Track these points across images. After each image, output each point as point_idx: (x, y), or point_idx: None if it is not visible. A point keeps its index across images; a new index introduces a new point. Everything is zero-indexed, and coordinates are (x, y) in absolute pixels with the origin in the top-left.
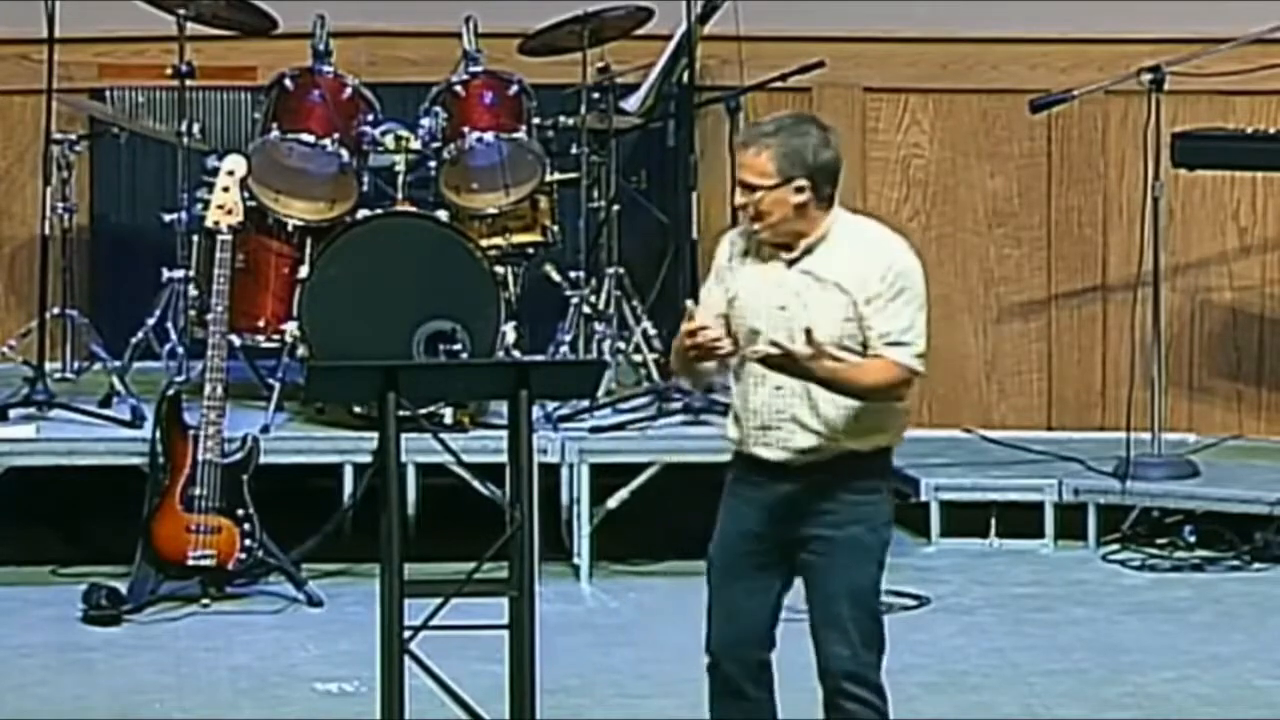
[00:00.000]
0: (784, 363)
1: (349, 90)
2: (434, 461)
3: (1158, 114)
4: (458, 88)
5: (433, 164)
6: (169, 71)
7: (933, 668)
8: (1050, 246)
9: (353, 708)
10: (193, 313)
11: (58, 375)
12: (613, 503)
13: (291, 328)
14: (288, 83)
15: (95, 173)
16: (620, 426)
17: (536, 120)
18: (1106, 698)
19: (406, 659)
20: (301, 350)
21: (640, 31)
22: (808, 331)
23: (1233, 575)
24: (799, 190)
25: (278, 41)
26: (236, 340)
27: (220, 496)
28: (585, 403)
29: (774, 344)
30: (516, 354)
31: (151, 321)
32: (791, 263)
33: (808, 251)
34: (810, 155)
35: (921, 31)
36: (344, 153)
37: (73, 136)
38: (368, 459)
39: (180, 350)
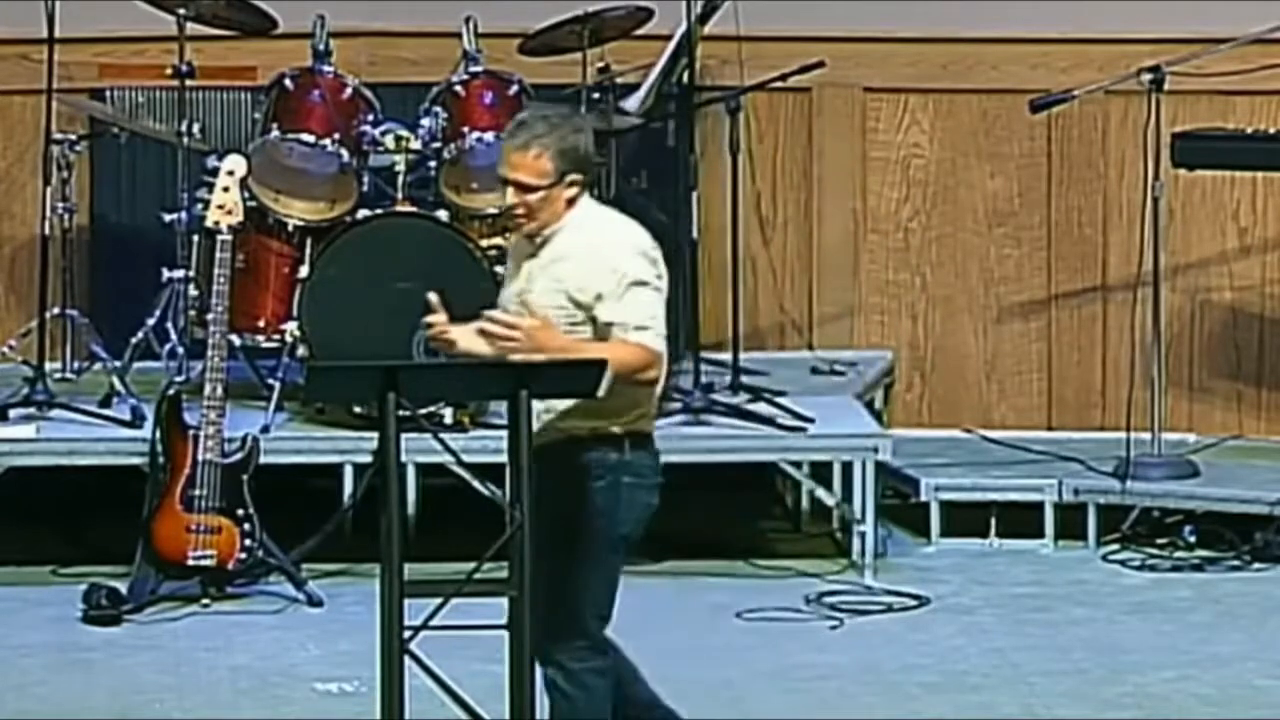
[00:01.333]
0: (508, 338)
1: (349, 90)
2: (434, 461)
3: (1158, 114)
4: (458, 88)
5: (433, 164)
6: (169, 71)
7: (933, 668)
8: (1050, 246)
9: (353, 708)
10: (193, 313)
11: (58, 375)
12: None
13: (291, 328)
14: (288, 83)
15: (95, 173)
16: None
17: None
18: (1106, 698)
19: (406, 659)
20: (301, 350)
21: (640, 31)
22: (524, 303)
23: (1233, 575)
24: (571, 185)
25: (278, 41)
26: (236, 340)
27: (220, 496)
28: None
29: (491, 319)
30: None
31: (151, 321)
32: (534, 253)
33: (546, 241)
34: (583, 150)
35: (922, 31)
36: (344, 153)
37: (73, 136)
38: (368, 459)
39: (180, 350)
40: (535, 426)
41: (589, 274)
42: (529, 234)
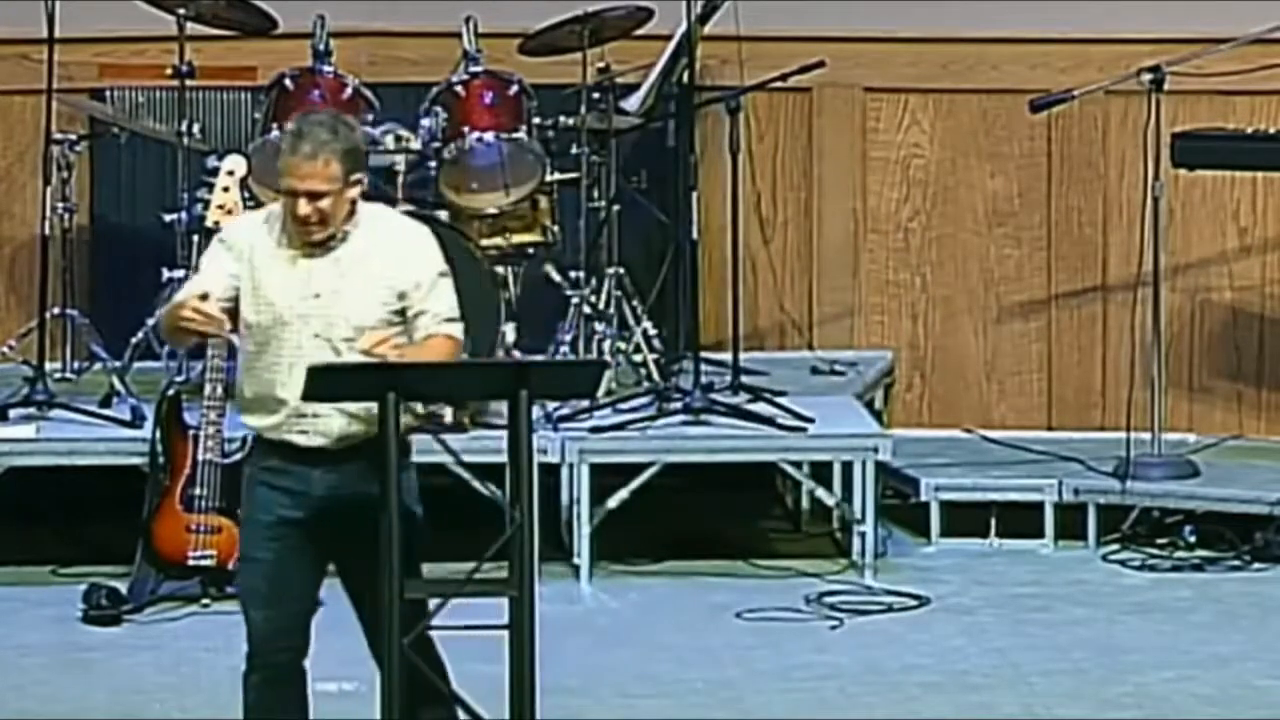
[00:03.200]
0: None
1: (349, 90)
2: (434, 461)
3: (1158, 114)
4: (458, 88)
5: (433, 164)
6: (169, 71)
7: (933, 668)
8: (1050, 246)
9: (353, 708)
10: None
11: (58, 375)
12: (613, 503)
13: None
14: (288, 83)
15: (95, 173)
16: (620, 426)
17: (536, 120)
18: (1107, 698)
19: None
20: None
21: (640, 31)
22: (330, 310)
23: (1233, 575)
24: (357, 184)
25: (278, 41)
26: (237, 340)
27: (220, 496)
28: (585, 402)
29: (372, 339)
30: (516, 354)
31: (151, 321)
32: (324, 252)
33: (342, 240)
34: (363, 149)
35: (922, 31)
36: None
37: (73, 136)
38: None
39: (180, 350)
40: (348, 427)
41: (407, 263)
42: (321, 240)
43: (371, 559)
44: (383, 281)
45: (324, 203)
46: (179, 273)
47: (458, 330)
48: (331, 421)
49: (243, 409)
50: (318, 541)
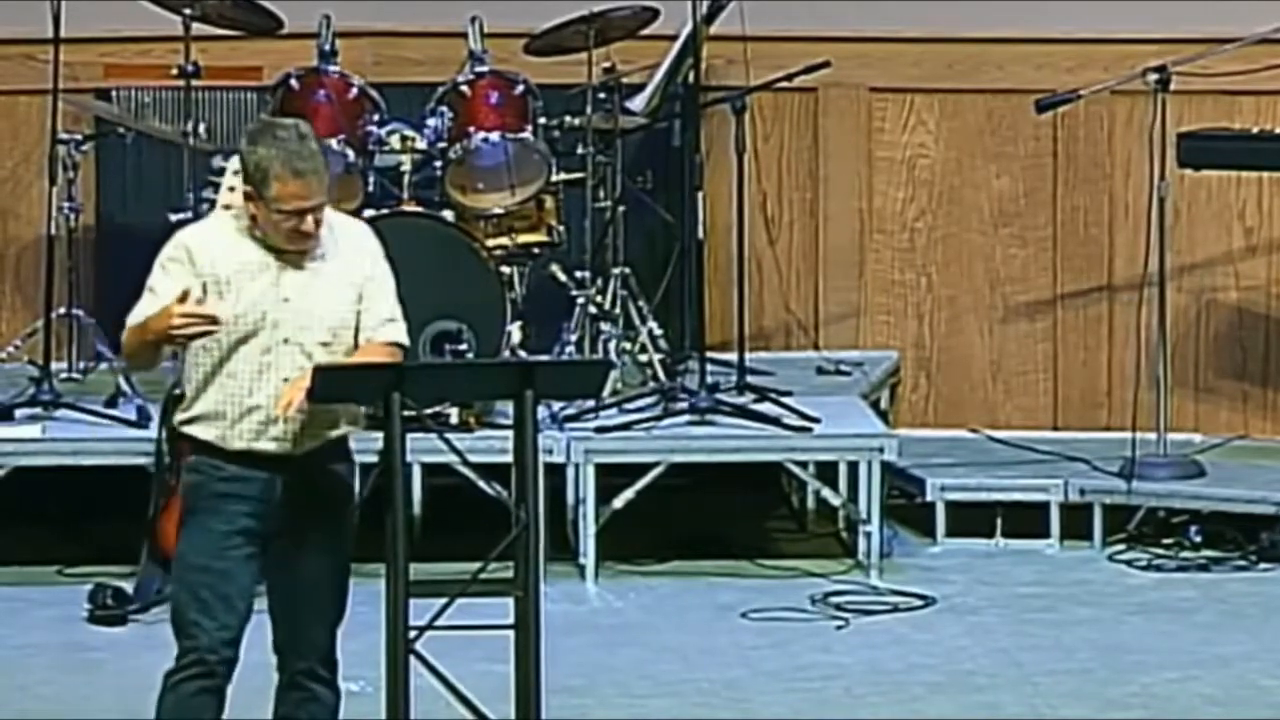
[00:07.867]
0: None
1: (354, 90)
2: (439, 461)
3: (1163, 114)
4: (463, 87)
5: (438, 164)
6: (174, 71)
7: (938, 667)
8: (1056, 247)
9: (358, 708)
10: None
11: (63, 375)
12: (618, 503)
13: None
14: (293, 82)
15: (101, 173)
16: (626, 426)
17: (542, 120)
18: (1111, 698)
19: (412, 659)
20: None
21: (646, 31)
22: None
23: (1238, 575)
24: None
25: (283, 41)
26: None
27: None
28: (591, 402)
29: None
30: (522, 354)
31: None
32: (293, 256)
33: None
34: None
35: (927, 31)
36: (349, 153)
37: (78, 136)
38: (373, 459)
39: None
40: (312, 431)
41: (362, 258)
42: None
43: (309, 555)
44: (345, 279)
45: (322, 213)
46: None
47: (398, 332)
48: (301, 426)
49: (194, 420)
50: (262, 547)
